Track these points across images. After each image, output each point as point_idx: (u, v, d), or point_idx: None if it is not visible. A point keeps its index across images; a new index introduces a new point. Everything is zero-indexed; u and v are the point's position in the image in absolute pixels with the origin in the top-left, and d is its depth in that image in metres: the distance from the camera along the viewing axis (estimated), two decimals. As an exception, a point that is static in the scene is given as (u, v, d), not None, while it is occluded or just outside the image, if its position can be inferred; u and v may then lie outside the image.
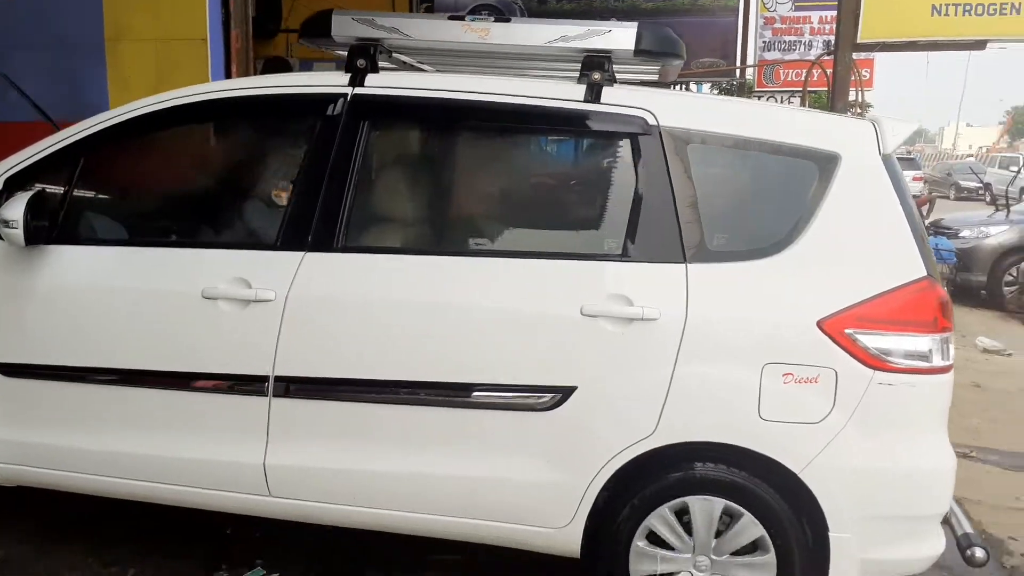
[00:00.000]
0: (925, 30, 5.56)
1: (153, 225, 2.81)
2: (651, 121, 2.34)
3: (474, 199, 2.74)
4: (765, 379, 2.19)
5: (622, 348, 2.25)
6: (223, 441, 2.47)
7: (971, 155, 47.69)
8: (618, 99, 2.39)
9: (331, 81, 2.54)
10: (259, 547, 2.90)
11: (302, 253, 2.41)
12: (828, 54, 7.82)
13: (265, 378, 2.40)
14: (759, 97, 9.12)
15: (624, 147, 2.40)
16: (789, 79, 12.11)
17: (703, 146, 2.35)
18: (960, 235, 8.41)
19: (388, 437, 2.40)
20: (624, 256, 2.32)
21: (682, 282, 2.24)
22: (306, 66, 8.63)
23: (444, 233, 2.66)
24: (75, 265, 2.54)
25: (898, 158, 2.47)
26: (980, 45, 7.72)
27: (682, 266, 2.26)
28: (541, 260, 2.37)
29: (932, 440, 2.26)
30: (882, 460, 2.20)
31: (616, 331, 2.24)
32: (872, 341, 2.17)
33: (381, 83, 2.51)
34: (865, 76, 9.30)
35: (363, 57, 2.51)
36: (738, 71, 12.00)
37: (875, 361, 2.17)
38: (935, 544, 2.28)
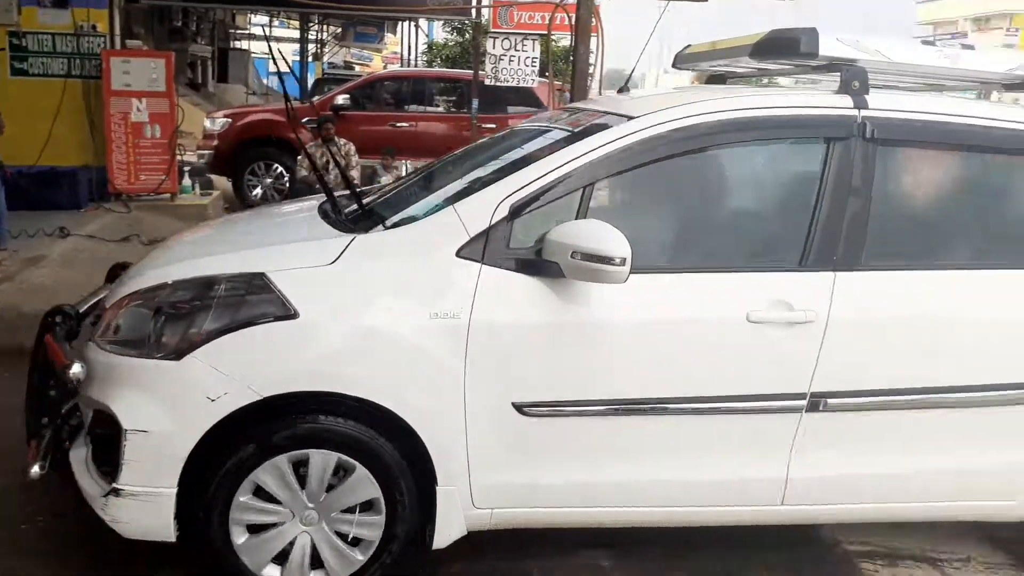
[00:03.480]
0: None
1: (674, 250, 2.76)
2: None
3: (967, 216, 2.92)
4: None
5: None
6: (745, 459, 2.66)
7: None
8: None
9: (831, 103, 2.73)
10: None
11: (832, 272, 2.60)
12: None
13: (802, 395, 2.60)
14: (495, 38, 9.12)
15: None
16: (523, 21, 12.33)
17: None
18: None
19: (905, 436, 2.73)
20: None
21: None
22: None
23: (948, 249, 2.84)
24: (607, 295, 2.47)
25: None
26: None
27: None
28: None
29: None
30: None
31: None
32: None
33: (885, 105, 2.74)
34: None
35: (857, 79, 2.73)
36: (474, 11, 11.98)
37: None
38: None
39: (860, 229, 2.62)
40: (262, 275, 2.38)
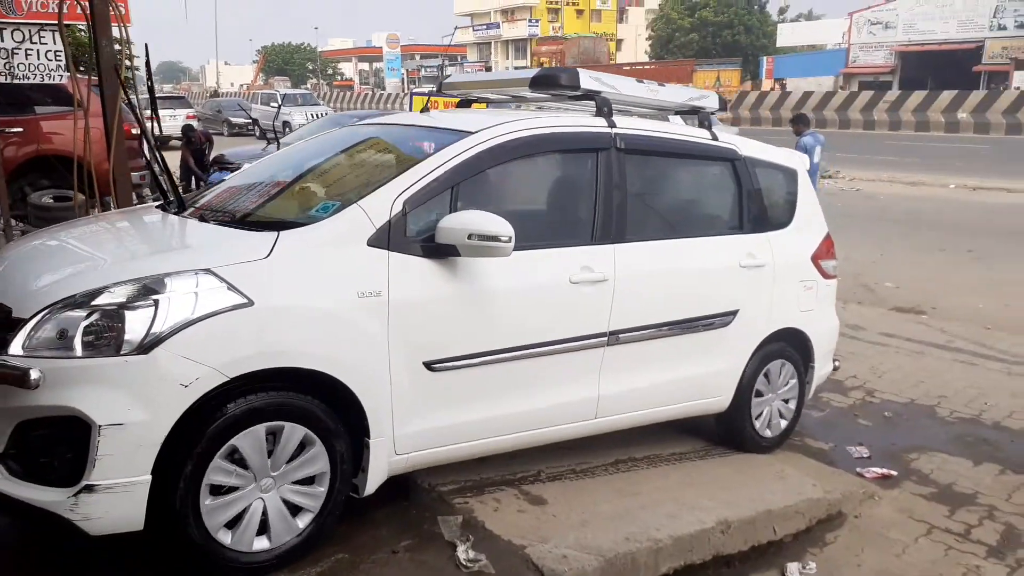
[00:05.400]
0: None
1: (519, 233, 3.10)
2: (739, 152, 4.03)
3: (676, 202, 4.08)
4: (800, 290, 4.16)
5: (755, 283, 3.95)
6: (573, 384, 3.43)
7: (235, 92, 51.07)
8: (722, 138, 4.01)
9: (591, 122, 3.60)
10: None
11: (612, 245, 3.47)
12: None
13: (604, 333, 3.45)
14: (1, 29, 7.88)
15: (729, 166, 4.01)
16: (35, 9, 10.74)
17: (760, 167, 4.10)
18: (243, 168, 9.05)
19: (662, 358, 3.71)
20: (742, 230, 3.99)
21: (768, 242, 4.03)
22: None
23: (669, 225, 3.90)
24: (482, 269, 3.08)
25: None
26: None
27: (767, 234, 4.05)
28: (710, 238, 3.92)
29: (833, 312, 4.51)
30: (827, 322, 4.43)
31: (753, 273, 3.93)
32: (824, 264, 4.31)
33: (626, 125, 3.68)
34: (122, 11, 8.82)
35: (606, 106, 3.66)
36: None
37: (826, 275, 4.32)
38: (830, 366, 4.58)
39: (623, 213, 3.53)
40: (208, 270, 2.59)
